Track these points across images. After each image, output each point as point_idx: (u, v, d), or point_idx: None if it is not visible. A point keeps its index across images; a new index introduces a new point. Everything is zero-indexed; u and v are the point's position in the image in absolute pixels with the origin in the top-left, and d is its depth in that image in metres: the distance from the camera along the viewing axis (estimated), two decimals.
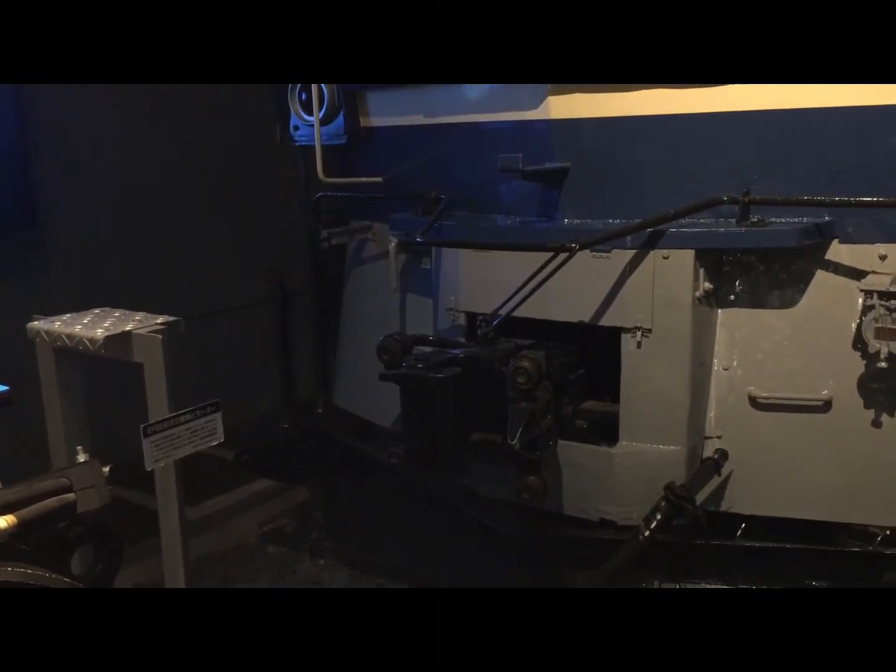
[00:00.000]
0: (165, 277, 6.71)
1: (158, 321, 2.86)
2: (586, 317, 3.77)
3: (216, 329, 7.24)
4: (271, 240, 6.91)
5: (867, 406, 3.65)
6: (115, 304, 6.18)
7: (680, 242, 3.60)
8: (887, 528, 3.67)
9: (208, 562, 5.37)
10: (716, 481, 3.75)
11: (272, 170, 6.37)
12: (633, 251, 3.63)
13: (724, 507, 3.84)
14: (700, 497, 3.62)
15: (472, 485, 4.01)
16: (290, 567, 5.39)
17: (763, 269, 3.78)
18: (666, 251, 3.60)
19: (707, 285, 3.68)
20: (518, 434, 3.10)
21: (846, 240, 3.65)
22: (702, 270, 3.65)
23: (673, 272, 3.61)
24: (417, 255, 4.67)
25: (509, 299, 3.66)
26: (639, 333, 3.67)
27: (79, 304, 6.12)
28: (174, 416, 2.31)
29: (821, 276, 3.73)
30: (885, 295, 3.31)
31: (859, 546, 3.66)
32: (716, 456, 3.79)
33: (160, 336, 2.75)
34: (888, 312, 3.31)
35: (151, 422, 2.32)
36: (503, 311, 3.66)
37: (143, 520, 5.51)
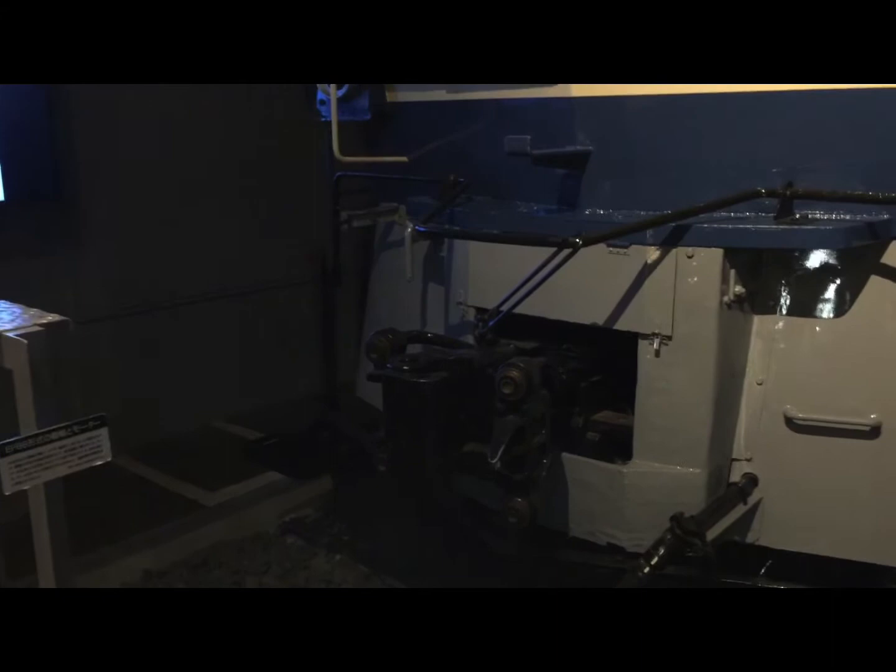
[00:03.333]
0: (204, 255, 6.63)
1: (43, 321, 2.44)
2: (601, 319, 3.38)
3: (256, 310, 7.14)
4: (311, 220, 6.72)
5: None
6: (148, 286, 6.26)
7: (707, 240, 3.17)
8: None
9: (220, 551, 5.21)
10: (741, 510, 3.32)
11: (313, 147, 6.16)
12: (654, 248, 3.22)
13: (750, 538, 3.41)
14: (721, 526, 3.21)
15: (473, 494, 3.69)
16: (303, 562, 5.18)
17: (806, 273, 3.32)
18: (690, 249, 3.17)
19: (739, 289, 3.24)
20: (500, 452, 2.76)
21: None
22: (732, 272, 3.21)
23: (698, 273, 3.19)
24: (438, 242, 4.35)
25: (512, 296, 3.31)
26: (657, 340, 3.27)
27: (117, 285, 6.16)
28: (42, 433, 2.04)
29: (874, 282, 3.24)
30: None
31: None
32: (743, 481, 3.37)
33: (25, 341, 2.34)
34: None
35: (10, 440, 2.00)
36: (505, 309, 3.30)
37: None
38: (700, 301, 3.20)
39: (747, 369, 3.42)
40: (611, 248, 3.30)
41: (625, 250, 3.27)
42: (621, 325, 3.34)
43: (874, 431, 3.22)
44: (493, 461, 2.76)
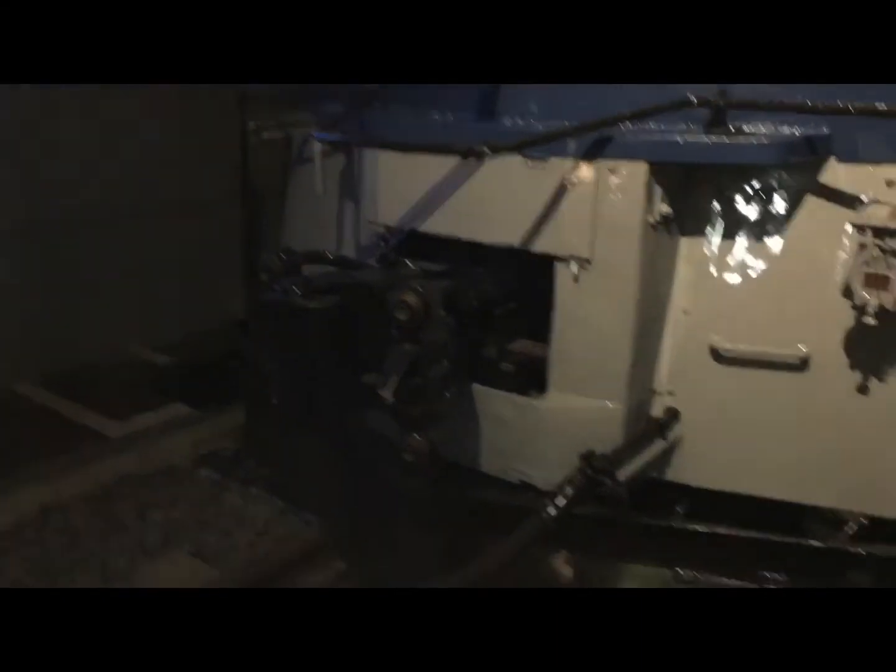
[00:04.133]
0: (119, 170, 6.16)
1: None
2: (516, 240, 3.09)
3: (177, 230, 6.70)
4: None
5: (851, 368, 2.96)
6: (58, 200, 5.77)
7: (631, 152, 2.88)
8: (861, 515, 3.03)
9: (125, 485, 4.92)
10: (661, 446, 3.11)
11: None
12: (573, 161, 2.92)
13: (670, 476, 3.21)
14: (638, 464, 3.00)
15: (381, 428, 3.43)
16: (215, 496, 4.91)
17: (738, 193, 3.05)
18: (613, 162, 2.88)
19: (665, 209, 2.96)
20: (393, 383, 2.49)
21: (846, 158, 2.89)
22: (658, 189, 2.93)
23: (620, 190, 2.90)
24: (351, 155, 3.98)
25: (420, 212, 3.00)
26: (575, 264, 2.99)
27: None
28: None
29: (810, 203, 2.99)
30: (881, 232, 2.58)
31: (826, 535, 3.03)
32: (664, 416, 3.15)
33: None
34: (882, 255, 2.58)
35: None
36: (410, 227, 3.00)
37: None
38: (622, 221, 2.93)
39: (673, 297, 3.17)
40: (528, 161, 2.99)
41: (542, 163, 2.96)
42: (538, 246, 3.06)
43: (803, 364, 3.01)
44: (385, 394, 2.48)
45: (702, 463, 3.18)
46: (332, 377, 2.75)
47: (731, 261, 3.11)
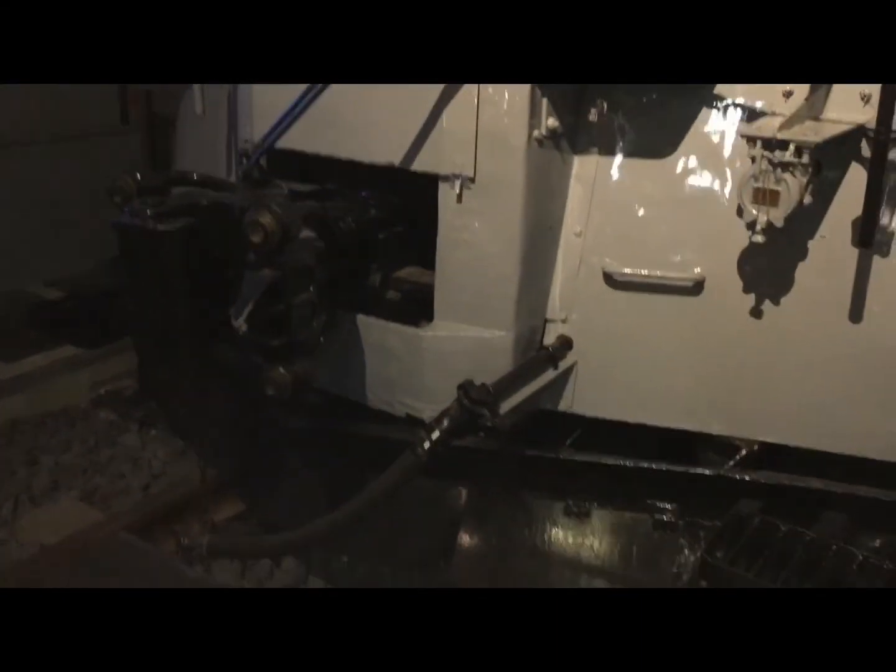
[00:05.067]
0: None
1: None
2: (396, 158, 2.87)
3: (73, 162, 6.29)
4: None
5: (745, 292, 2.84)
6: None
7: None
8: (753, 442, 2.96)
9: (16, 428, 4.67)
10: (551, 376, 2.97)
11: None
12: None
13: (562, 406, 3.09)
14: (525, 394, 2.86)
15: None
16: (111, 438, 4.70)
17: (634, 106, 2.87)
18: None
19: (553, 123, 2.77)
20: (246, 312, 2.29)
21: None
22: (545, 102, 2.74)
23: (503, 102, 2.70)
24: None
25: (295, 131, 2.77)
26: (458, 183, 2.80)
27: None
28: None
29: (704, 117, 2.83)
30: (770, 144, 2.43)
31: (717, 464, 2.96)
32: (555, 344, 3.01)
33: None
34: (771, 168, 2.44)
35: None
36: (287, 146, 2.76)
37: None
38: (505, 136, 2.73)
39: (565, 218, 3.00)
40: None
41: None
42: (419, 165, 2.85)
43: (697, 287, 2.89)
44: (238, 323, 2.28)
45: (595, 392, 3.06)
46: (188, 306, 2.54)
47: (624, 181, 2.95)
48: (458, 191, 2.80)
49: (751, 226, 2.52)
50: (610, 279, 2.97)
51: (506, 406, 2.74)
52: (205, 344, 2.57)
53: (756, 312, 2.84)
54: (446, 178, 2.81)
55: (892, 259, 2.68)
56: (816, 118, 2.62)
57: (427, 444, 2.49)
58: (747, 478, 2.81)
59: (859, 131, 2.47)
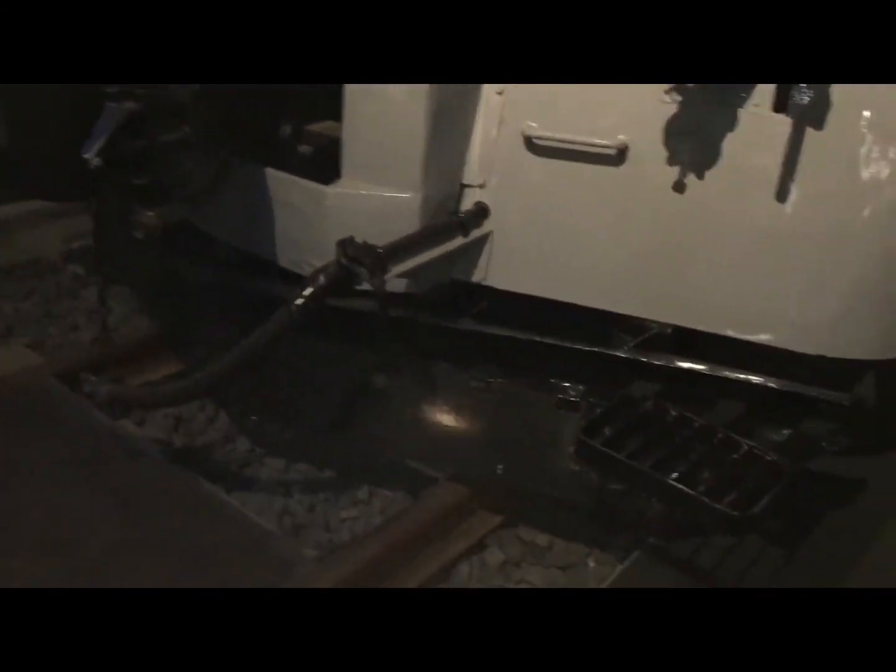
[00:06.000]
0: None
1: None
2: None
3: None
4: None
5: (669, 162, 2.62)
6: None
7: None
8: (668, 325, 2.79)
9: None
10: (458, 244, 2.83)
11: None
12: None
13: (476, 277, 2.95)
14: (420, 259, 2.72)
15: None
16: (74, 291, 4.72)
17: None
18: None
19: None
20: (97, 146, 2.17)
21: None
22: None
23: None
24: None
25: None
26: None
27: None
28: None
29: None
30: None
31: (626, 344, 2.81)
32: (468, 211, 2.85)
33: None
34: None
35: None
36: None
37: None
38: None
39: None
40: None
41: None
42: None
43: (620, 155, 2.68)
44: (89, 156, 2.17)
45: (509, 265, 2.91)
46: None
47: None
48: None
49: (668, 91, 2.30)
50: (530, 143, 2.77)
51: (397, 269, 2.62)
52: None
53: (679, 187, 2.63)
54: None
55: (826, 133, 2.44)
56: None
57: (299, 301, 2.40)
58: (643, 359, 2.67)
59: None
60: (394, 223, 2.76)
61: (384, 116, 2.70)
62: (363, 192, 2.79)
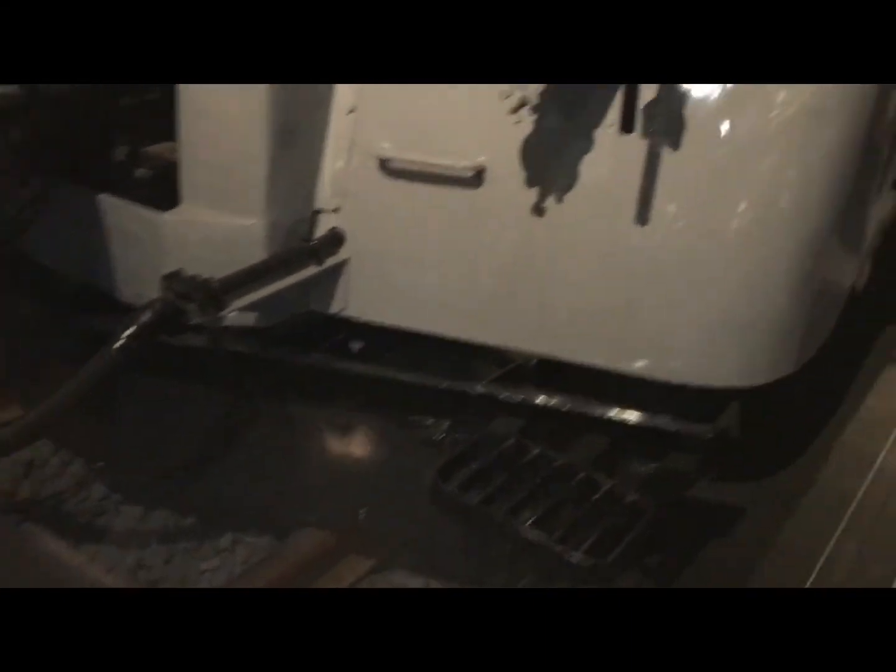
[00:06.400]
0: None
1: None
2: None
3: None
4: None
5: (528, 184, 2.49)
6: None
7: None
8: (533, 356, 2.65)
9: None
10: (311, 272, 2.63)
11: None
12: None
13: (334, 309, 2.76)
14: (264, 291, 2.51)
15: None
16: None
17: None
18: None
19: None
20: None
21: None
22: None
23: None
24: None
25: None
26: None
27: None
28: None
29: None
30: None
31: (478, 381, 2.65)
32: (322, 238, 2.67)
33: None
34: None
35: None
36: None
37: None
38: None
39: (336, 91, 2.61)
40: None
41: None
42: None
43: (478, 177, 2.53)
44: None
45: (369, 294, 2.73)
46: None
47: None
48: None
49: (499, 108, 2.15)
50: (385, 165, 2.60)
51: (239, 303, 2.41)
52: None
53: (539, 210, 2.49)
54: None
55: (684, 153, 2.33)
56: None
57: (120, 343, 2.17)
58: (501, 396, 2.52)
59: None
60: (237, 252, 2.56)
61: (222, 136, 2.49)
62: (203, 218, 2.58)
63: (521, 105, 2.10)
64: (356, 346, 2.87)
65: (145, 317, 2.20)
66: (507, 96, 2.12)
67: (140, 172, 2.71)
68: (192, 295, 2.19)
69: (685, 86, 2.28)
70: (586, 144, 2.40)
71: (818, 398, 3.23)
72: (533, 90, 2.08)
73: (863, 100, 2.32)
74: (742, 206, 2.32)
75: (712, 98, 2.30)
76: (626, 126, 2.05)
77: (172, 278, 2.20)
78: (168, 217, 2.60)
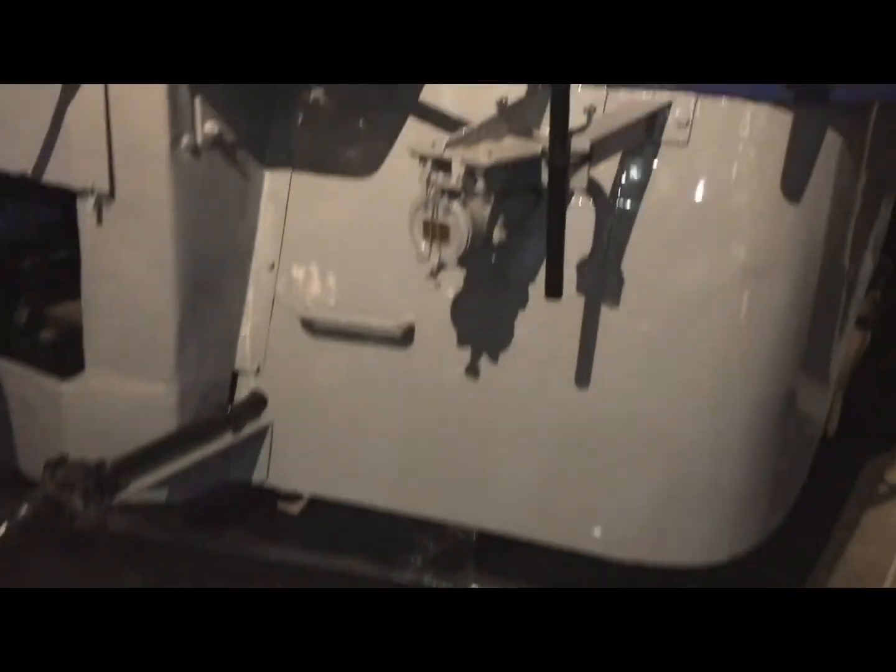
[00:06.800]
0: None
1: None
2: (29, 166, 2.30)
3: None
4: None
5: (459, 345, 2.30)
6: None
7: None
8: (474, 529, 2.40)
9: None
10: (227, 441, 2.40)
11: None
12: None
13: (256, 478, 2.52)
14: (179, 465, 2.27)
15: None
16: None
17: (334, 109, 2.34)
18: None
19: (212, 128, 2.20)
20: None
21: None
22: (198, 102, 2.17)
23: (138, 102, 2.13)
24: None
25: None
26: (93, 199, 2.23)
27: None
28: None
29: (415, 128, 2.29)
30: (439, 164, 1.88)
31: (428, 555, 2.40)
32: (241, 403, 2.45)
33: None
34: (440, 195, 1.89)
35: None
36: None
37: None
38: (144, 143, 2.16)
39: (256, 247, 2.45)
40: None
41: None
42: (51, 175, 2.27)
43: (407, 336, 2.34)
44: None
45: (292, 462, 2.50)
46: None
47: (323, 204, 2.40)
48: (96, 209, 2.23)
49: (425, 266, 1.98)
50: (308, 324, 2.41)
51: (140, 483, 2.16)
52: None
53: (472, 371, 2.29)
54: (82, 194, 2.24)
55: (622, 311, 2.16)
56: (528, 133, 2.09)
57: None
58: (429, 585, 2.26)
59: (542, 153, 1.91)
60: (146, 423, 2.33)
61: (127, 299, 2.30)
62: (107, 386, 2.36)
63: (440, 268, 1.92)
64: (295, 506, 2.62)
65: (23, 511, 1.94)
66: (426, 259, 1.94)
67: (44, 335, 2.49)
68: (76, 484, 1.94)
69: (620, 239, 2.13)
70: (517, 303, 2.23)
71: None
72: (452, 252, 1.90)
73: (812, 254, 2.17)
74: (686, 378, 2.12)
75: (653, 252, 2.15)
76: (552, 291, 1.87)
77: (56, 466, 1.96)
78: (67, 386, 2.38)
